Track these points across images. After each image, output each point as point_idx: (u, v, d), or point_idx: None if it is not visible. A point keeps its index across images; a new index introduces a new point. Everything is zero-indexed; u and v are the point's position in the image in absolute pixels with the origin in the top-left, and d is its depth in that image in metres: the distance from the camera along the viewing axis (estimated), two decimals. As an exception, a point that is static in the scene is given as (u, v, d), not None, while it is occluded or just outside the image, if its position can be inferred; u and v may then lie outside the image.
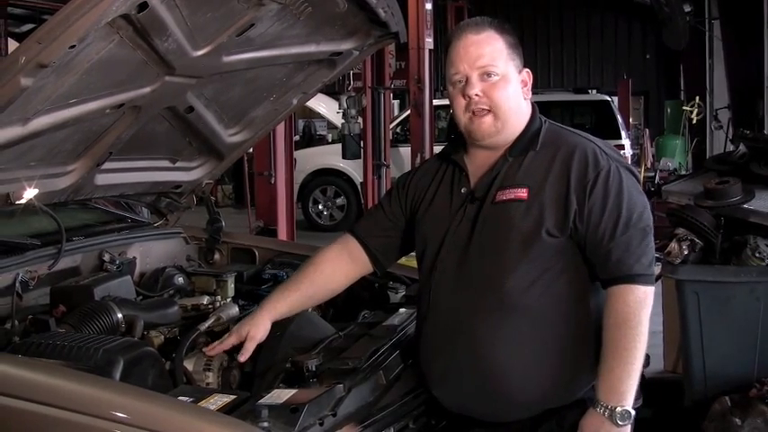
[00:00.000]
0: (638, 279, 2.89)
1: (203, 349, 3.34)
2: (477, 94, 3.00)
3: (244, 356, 3.26)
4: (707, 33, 20.36)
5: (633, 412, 2.85)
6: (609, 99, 17.23)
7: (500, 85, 3.02)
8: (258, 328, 3.29)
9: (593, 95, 17.93)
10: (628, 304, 2.87)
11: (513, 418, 3.02)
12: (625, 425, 2.84)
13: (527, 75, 3.11)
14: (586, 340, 2.96)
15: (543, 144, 3.05)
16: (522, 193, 2.98)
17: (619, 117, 16.82)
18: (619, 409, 2.83)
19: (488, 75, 3.01)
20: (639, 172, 3.78)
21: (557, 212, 2.93)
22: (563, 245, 2.94)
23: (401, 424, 3.01)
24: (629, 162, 3.14)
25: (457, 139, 3.22)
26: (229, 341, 3.30)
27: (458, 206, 3.11)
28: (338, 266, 3.40)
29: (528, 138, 3.07)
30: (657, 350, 6.36)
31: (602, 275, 2.95)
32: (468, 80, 3.02)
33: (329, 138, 19.70)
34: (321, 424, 2.68)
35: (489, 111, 3.01)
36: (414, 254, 3.30)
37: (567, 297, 2.97)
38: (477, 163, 3.13)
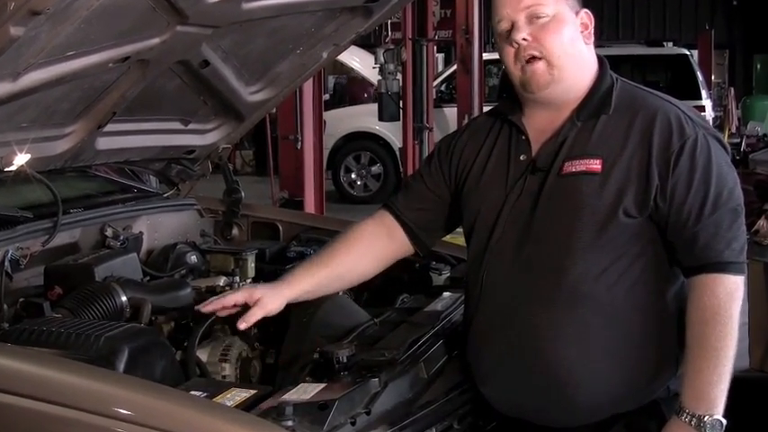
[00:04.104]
0: (729, 267, 2.85)
1: (195, 307, 3.33)
2: (524, 39, 2.96)
3: (245, 323, 3.20)
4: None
5: (725, 422, 2.82)
6: (687, 53, 17.11)
7: (551, 26, 2.97)
8: (273, 299, 3.24)
9: (669, 49, 17.83)
10: (717, 296, 2.83)
11: (575, 423, 3.00)
12: (710, 423, 2.81)
13: (586, 16, 3.06)
14: (663, 336, 2.93)
15: (617, 107, 3.01)
16: (596, 164, 2.94)
17: (699, 74, 16.70)
18: (708, 418, 2.80)
19: (536, 16, 2.97)
20: (720, 135, 3.75)
21: (636, 188, 2.89)
22: (641, 227, 2.91)
23: (444, 424, 3.00)
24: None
25: (510, 98, 3.19)
26: (233, 297, 3.26)
27: (516, 176, 3.07)
28: (373, 245, 3.38)
29: (599, 98, 3.03)
30: (742, 345, 6.31)
31: (685, 263, 2.91)
32: (514, 25, 2.98)
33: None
34: (353, 423, 2.68)
35: (541, 58, 2.98)
36: (460, 229, 3.28)
37: (642, 287, 2.94)
38: (539, 126, 3.08)
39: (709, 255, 2.85)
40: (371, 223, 3.40)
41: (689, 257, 2.89)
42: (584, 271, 2.89)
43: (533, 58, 2.97)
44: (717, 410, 2.81)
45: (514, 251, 3.01)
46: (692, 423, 2.80)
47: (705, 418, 2.79)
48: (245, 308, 3.24)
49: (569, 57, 3.00)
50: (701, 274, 2.86)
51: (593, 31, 3.07)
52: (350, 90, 20.90)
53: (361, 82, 20.14)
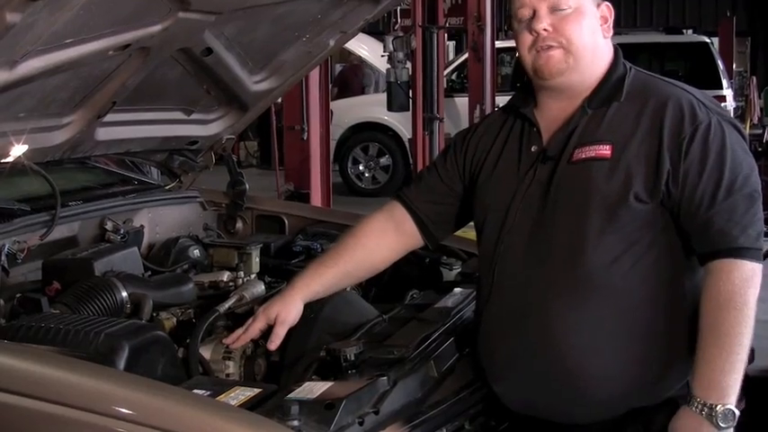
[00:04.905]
0: (744, 253, 2.85)
1: (223, 340, 3.35)
2: (545, 29, 2.99)
3: (274, 344, 3.26)
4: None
5: (737, 412, 2.81)
6: (708, 41, 17.06)
7: (573, 18, 3.00)
8: (289, 310, 3.30)
9: (689, 36, 17.77)
10: (732, 282, 2.83)
11: (591, 419, 3.00)
12: (728, 427, 2.80)
13: (607, 9, 3.10)
14: (680, 327, 2.93)
15: (629, 94, 3.04)
16: (605, 150, 2.96)
17: (720, 63, 16.66)
18: (720, 407, 2.79)
19: (559, 8, 3.00)
20: (744, 128, 3.77)
21: (647, 173, 2.90)
22: (653, 213, 2.92)
23: (455, 424, 3.01)
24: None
25: (525, 88, 3.21)
26: (255, 327, 3.30)
27: (527, 167, 3.10)
28: (383, 239, 3.41)
29: (610, 86, 3.06)
30: (764, 343, 6.30)
31: (699, 249, 2.91)
32: (535, 14, 3.01)
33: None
34: (361, 423, 2.68)
35: (558, 47, 3.00)
36: (471, 224, 3.29)
37: (657, 275, 2.94)
38: (550, 116, 3.12)
39: (724, 240, 2.85)
40: (381, 217, 3.42)
41: (703, 244, 2.90)
42: (597, 259, 2.90)
43: (550, 47, 3.00)
44: (729, 400, 2.79)
45: (526, 241, 3.03)
46: (703, 413, 2.79)
47: (717, 407, 2.78)
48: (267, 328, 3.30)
49: (586, 49, 3.03)
50: (715, 260, 2.86)
51: (611, 25, 3.11)
52: (342, 77, 20.74)
53: (353, 67, 20.09)
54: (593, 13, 3.05)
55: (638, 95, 3.03)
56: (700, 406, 2.80)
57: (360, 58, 19.19)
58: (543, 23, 2.99)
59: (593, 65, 3.06)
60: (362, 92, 18.19)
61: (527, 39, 3.03)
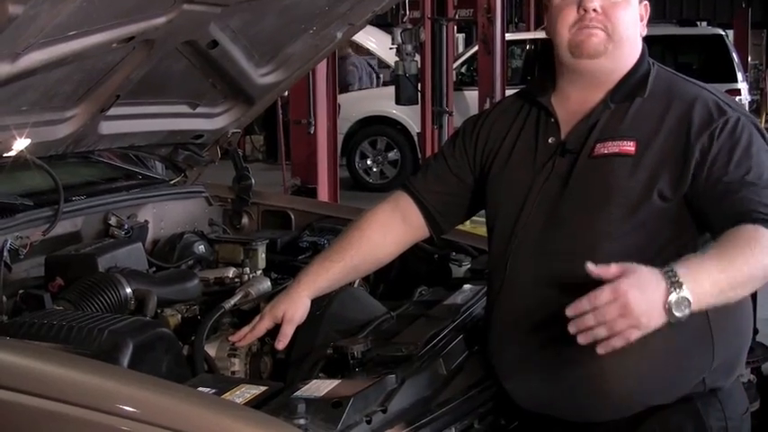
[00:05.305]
0: None
1: (229, 338, 3.35)
2: (595, 9, 2.99)
3: (282, 343, 3.27)
4: None
5: (688, 312, 2.63)
6: (722, 33, 17.04)
7: (622, 5, 3.02)
8: (296, 308, 3.30)
9: (703, 29, 17.74)
10: (756, 237, 2.70)
11: (606, 417, 3.00)
12: (679, 315, 2.61)
13: (644, 8, 3.13)
14: (696, 325, 2.91)
15: (653, 91, 3.05)
16: (629, 146, 2.96)
17: (734, 55, 16.63)
18: (684, 289, 2.60)
19: None
20: (759, 122, 3.72)
21: (673, 168, 2.90)
22: (672, 212, 2.92)
23: (464, 423, 3.01)
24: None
25: (540, 77, 3.20)
26: (262, 325, 3.31)
27: (544, 159, 3.09)
28: (389, 231, 3.40)
29: (635, 81, 3.07)
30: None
31: (723, 225, 2.79)
32: None
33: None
34: (369, 422, 2.68)
35: (603, 30, 3.01)
36: (480, 217, 3.28)
37: None
38: (569, 107, 3.12)
39: (750, 215, 2.75)
40: (386, 208, 3.42)
41: (726, 219, 2.81)
42: (613, 256, 2.87)
43: (595, 27, 3.01)
44: (698, 292, 2.62)
45: (541, 236, 3.02)
46: (668, 282, 2.61)
47: (682, 288, 2.60)
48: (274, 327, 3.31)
49: (627, 39, 3.05)
50: (739, 225, 2.76)
51: (645, 24, 3.13)
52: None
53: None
54: (637, 7, 3.08)
55: (663, 93, 3.04)
56: (671, 274, 2.62)
57: (348, 53, 19.02)
58: (595, 2, 2.99)
59: (626, 57, 3.07)
60: (347, 90, 17.92)
61: (570, 15, 3.03)
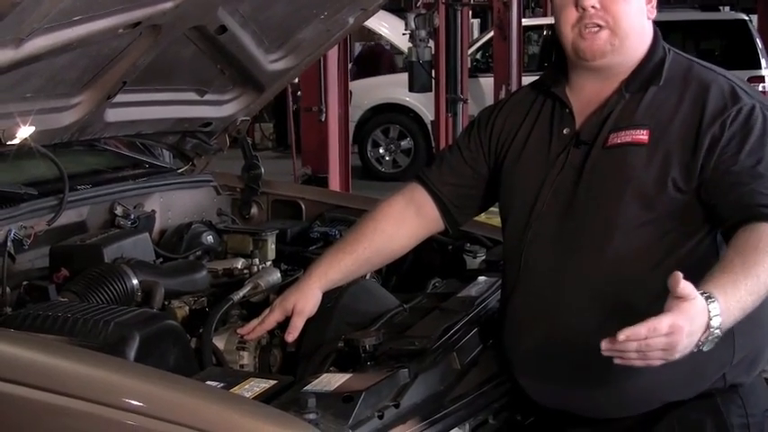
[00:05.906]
0: None
1: (238, 330, 3.36)
2: (593, 6, 2.98)
3: (292, 336, 3.27)
4: None
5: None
6: (746, 18, 16.96)
7: None
8: (307, 300, 3.31)
9: (726, 13, 17.75)
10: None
11: (624, 413, 3.00)
12: (705, 350, 2.61)
13: None
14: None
15: (669, 78, 3.04)
16: (642, 135, 2.96)
17: (758, 41, 16.55)
18: (716, 331, 2.58)
19: None
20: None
21: (684, 156, 2.90)
22: (688, 205, 2.91)
23: (478, 419, 3.01)
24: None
25: (556, 66, 3.20)
26: (272, 318, 3.31)
27: (559, 150, 3.09)
28: (403, 224, 3.40)
29: (650, 69, 3.06)
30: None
31: (732, 219, 2.81)
32: None
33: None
34: (381, 417, 2.69)
35: (605, 27, 2.99)
36: (495, 209, 3.28)
37: (691, 267, 2.92)
38: (585, 98, 3.11)
39: (759, 208, 2.76)
40: (401, 200, 3.42)
41: (737, 211, 2.81)
42: (628, 248, 2.89)
43: (597, 27, 2.99)
44: (726, 325, 2.60)
45: (556, 228, 3.03)
46: (710, 312, 2.56)
47: (719, 322, 2.57)
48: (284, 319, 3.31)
49: (632, 30, 3.03)
50: (750, 223, 2.76)
51: (655, 5, 3.10)
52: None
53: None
54: None
55: (679, 80, 3.03)
56: (711, 304, 2.58)
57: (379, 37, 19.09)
58: (593, 0, 2.99)
59: (637, 46, 3.06)
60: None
61: (571, 15, 3.02)
